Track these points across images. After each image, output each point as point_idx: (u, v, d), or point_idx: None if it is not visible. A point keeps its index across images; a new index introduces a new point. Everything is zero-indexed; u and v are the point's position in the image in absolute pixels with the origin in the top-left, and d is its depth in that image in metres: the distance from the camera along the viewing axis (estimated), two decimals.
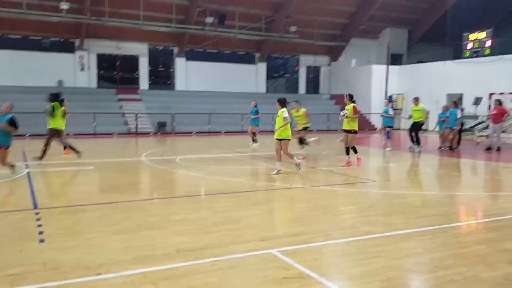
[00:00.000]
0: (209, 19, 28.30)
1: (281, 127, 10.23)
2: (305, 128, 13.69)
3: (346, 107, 11.98)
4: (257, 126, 17.85)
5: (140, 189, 9.13)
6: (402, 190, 8.94)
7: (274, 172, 10.35)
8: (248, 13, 30.17)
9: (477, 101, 24.37)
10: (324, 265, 4.51)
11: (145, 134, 24.58)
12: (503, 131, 22.53)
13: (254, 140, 17.65)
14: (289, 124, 10.36)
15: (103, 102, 26.68)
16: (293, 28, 30.77)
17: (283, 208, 7.02)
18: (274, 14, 30.82)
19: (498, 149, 15.93)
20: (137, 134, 24.36)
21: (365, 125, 30.55)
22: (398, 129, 28.72)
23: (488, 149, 16.09)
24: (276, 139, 10.47)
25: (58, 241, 5.18)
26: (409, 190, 9.07)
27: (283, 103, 10.46)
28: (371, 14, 32.41)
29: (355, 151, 11.95)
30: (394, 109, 30.93)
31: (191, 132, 25.56)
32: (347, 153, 11.93)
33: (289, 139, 10.43)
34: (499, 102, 16.51)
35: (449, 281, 4.07)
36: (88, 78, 28.49)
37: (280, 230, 5.75)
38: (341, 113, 11.98)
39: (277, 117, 10.46)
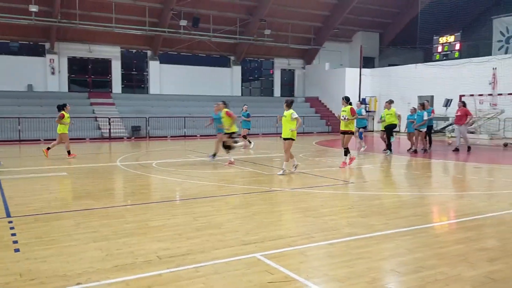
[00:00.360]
0: (183, 22, 28.11)
1: (297, 128, 10.78)
2: (232, 134, 12.76)
3: (343, 109, 12.44)
4: (249, 129, 18.32)
5: (116, 195, 8.94)
6: (379, 191, 9.03)
7: (293, 170, 11.07)
8: (222, 16, 30.10)
9: (447, 103, 24.94)
10: (309, 268, 4.49)
11: (119, 138, 24.18)
12: (473, 132, 23.19)
13: (249, 142, 18.12)
14: (295, 125, 10.78)
15: (75, 106, 25.91)
16: (267, 31, 30.86)
17: (263, 211, 6.98)
18: (248, 17, 30.85)
19: (469, 149, 16.27)
20: (110, 138, 23.95)
21: (340, 127, 30.88)
22: (372, 131, 29.13)
23: (456, 150, 16.26)
24: (283, 138, 10.97)
25: (34, 250, 5.01)
26: (387, 191, 9.17)
27: (290, 104, 10.89)
28: (344, 18, 32.82)
29: (346, 153, 12.33)
30: (367, 111, 31.45)
31: (166, 136, 25.29)
32: (346, 153, 12.34)
33: (294, 139, 10.91)
34: (463, 104, 16.66)
35: (433, 281, 4.11)
36: (59, 82, 27.84)
37: (262, 233, 5.70)
38: (341, 116, 12.45)
39: (283, 118, 10.85)
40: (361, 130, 16.44)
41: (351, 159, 12.37)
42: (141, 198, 8.25)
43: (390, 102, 15.83)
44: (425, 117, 15.87)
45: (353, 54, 35.63)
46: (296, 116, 10.69)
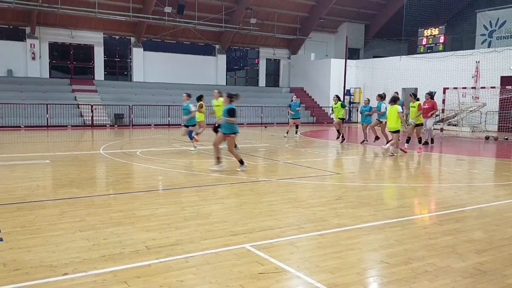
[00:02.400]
0: (168, 9, 27.70)
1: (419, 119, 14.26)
2: None
3: (412, 104, 14.65)
4: (298, 118, 19.30)
5: (102, 184, 8.79)
6: (367, 182, 9.06)
7: (389, 154, 12.77)
8: (207, 4, 29.76)
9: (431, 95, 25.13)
10: (299, 259, 4.47)
11: (102, 126, 23.82)
12: (455, 125, 23.46)
13: (296, 132, 19.12)
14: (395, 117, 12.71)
15: (56, 92, 25.64)
16: (253, 20, 30.64)
17: (251, 202, 6.93)
18: (234, 5, 30.56)
19: (427, 142, 15.76)
20: (93, 126, 23.58)
21: (324, 118, 30.98)
22: (356, 122, 29.28)
23: (425, 143, 15.69)
24: (392, 131, 12.98)
25: (18, 240, 4.88)
26: (374, 182, 9.20)
27: (393, 100, 12.94)
28: (330, 8, 32.77)
29: (420, 141, 14.71)
30: (352, 103, 31.59)
31: (150, 125, 25.01)
32: (420, 141, 14.75)
33: (399, 129, 13.04)
34: (430, 96, 15.83)
35: (423, 272, 4.13)
36: (39, 67, 27.24)
37: (251, 224, 5.66)
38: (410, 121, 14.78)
39: (388, 114, 13.08)
40: (190, 128, 14.02)
41: (420, 149, 14.12)
42: (127, 187, 8.13)
43: (219, 92, 14.06)
44: (382, 109, 15.10)
45: (338, 45, 35.67)
46: (400, 110, 12.85)
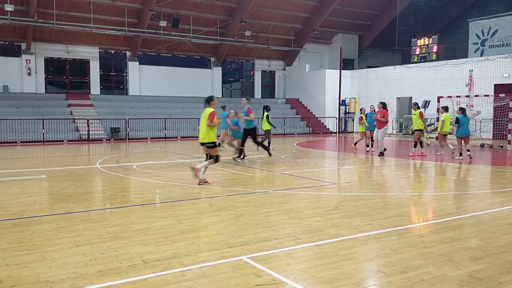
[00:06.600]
0: (163, 23, 27.88)
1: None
2: None
3: (413, 112, 15.91)
4: (372, 130, 16.90)
5: (98, 198, 8.78)
6: (363, 192, 9.09)
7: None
8: (202, 17, 29.98)
9: (426, 104, 25.32)
10: (296, 270, 4.48)
11: (98, 140, 23.81)
12: (450, 133, 23.53)
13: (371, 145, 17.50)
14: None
15: (52, 107, 25.65)
16: (248, 33, 30.86)
17: (248, 213, 6.94)
18: (228, 18, 30.79)
19: (382, 153, 15.38)
20: (89, 140, 23.57)
21: (320, 128, 31.08)
22: (352, 132, 29.37)
23: (381, 154, 15.36)
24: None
25: (15, 256, 4.87)
26: (370, 191, 9.23)
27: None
28: (324, 20, 33.06)
29: (421, 146, 15.76)
30: (347, 113, 31.70)
31: (146, 138, 25.02)
32: (415, 146, 15.73)
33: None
34: (383, 105, 15.36)
35: (420, 281, 4.14)
36: (35, 83, 27.30)
37: (247, 236, 5.67)
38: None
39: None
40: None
41: (421, 153, 15.62)
42: (124, 201, 8.13)
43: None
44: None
45: (333, 56, 35.93)
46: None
